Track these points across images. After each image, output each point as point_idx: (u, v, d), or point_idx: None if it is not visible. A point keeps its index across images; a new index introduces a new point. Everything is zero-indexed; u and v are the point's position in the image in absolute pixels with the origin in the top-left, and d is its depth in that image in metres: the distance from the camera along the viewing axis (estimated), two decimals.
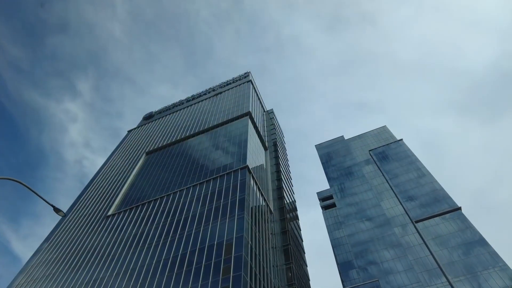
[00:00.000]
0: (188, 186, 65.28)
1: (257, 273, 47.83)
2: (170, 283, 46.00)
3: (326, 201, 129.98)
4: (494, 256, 74.76)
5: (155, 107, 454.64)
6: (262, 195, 66.09)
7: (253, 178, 64.11)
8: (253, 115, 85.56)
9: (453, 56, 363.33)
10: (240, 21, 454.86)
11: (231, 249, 46.37)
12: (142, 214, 63.82)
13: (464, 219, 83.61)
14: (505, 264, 72.22)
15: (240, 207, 53.26)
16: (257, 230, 54.93)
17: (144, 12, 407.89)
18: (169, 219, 58.51)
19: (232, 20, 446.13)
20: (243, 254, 45.05)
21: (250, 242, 49.28)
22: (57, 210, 12.37)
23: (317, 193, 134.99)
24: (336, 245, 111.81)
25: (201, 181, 64.95)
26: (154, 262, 51.10)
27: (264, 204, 65.31)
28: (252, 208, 56.53)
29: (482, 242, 78.10)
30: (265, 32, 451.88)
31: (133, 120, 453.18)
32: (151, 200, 66.43)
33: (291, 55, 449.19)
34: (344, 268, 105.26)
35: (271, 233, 62.95)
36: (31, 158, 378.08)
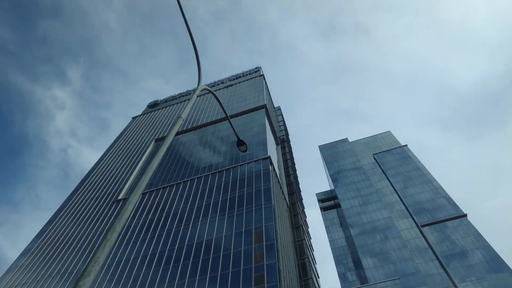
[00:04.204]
0: (206, 174, 63.45)
1: (286, 264, 46.54)
2: (196, 271, 44.14)
3: (326, 202, 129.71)
4: (500, 264, 75.49)
5: (145, 100, 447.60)
6: (281, 187, 64.96)
7: (274, 169, 62.91)
8: (268, 109, 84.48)
9: (442, 73, 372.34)
10: (237, 21, 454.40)
11: (262, 237, 44.92)
12: (157, 199, 61.58)
13: (470, 226, 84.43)
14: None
15: (266, 196, 51.93)
16: (280, 222, 53.71)
17: (140, 4, 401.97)
18: (188, 205, 56.55)
19: (229, 20, 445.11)
20: (275, 242, 43.71)
21: (279, 232, 48.00)
22: (240, 143, 10.84)
23: (316, 194, 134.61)
24: (336, 246, 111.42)
25: (219, 170, 63.26)
26: (176, 248, 49.05)
27: (282, 197, 64.15)
28: (275, 199, 55.29)
29: (488, 248, 78.92)
30: (260, 35, 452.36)
31: (121, 111, 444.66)
32: (166, 186, 64.26)
33: (285, 59, 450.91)
34: (342, 269, 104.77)
35: (289, 227, 61.81)
36: (13, 144, 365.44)
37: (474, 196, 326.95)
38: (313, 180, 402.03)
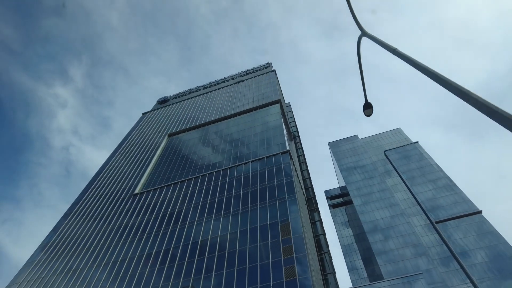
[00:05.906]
0: (224, 168, 62.69)
1: (312, 257, 45.82)
2: (223, 264, 43.37)
3: (335, 200, 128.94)
4: None
5: (147, 99, 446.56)
6: (299, 182, 64.25)
7: (293, 163, 62.17)
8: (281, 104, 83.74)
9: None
10: (239, 20, 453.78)
11: (289, 230, 44.17)
12: (175, 194, 60.80)
13: (485, 222, 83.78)
14: None
15: (289, 189, 51.19)
16: (303, 216, 53.01)
17: (143, 3, 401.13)
18: (209, 199, 55.79)
19: (231, 18, 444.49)
20: (303, 235, 42.99)
21: (304, 226, 47.28)
22: (367, 106, 10.07)
23: (325, 191, 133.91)
24: (345, 243, 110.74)
25: (238, 164, 62.50)
26: (199, 241, 48.28)
27: (301, 191, 63.44)
28: (297, 193, 54.58)
29: (505, 245, 78.28)
30: (263, 34, 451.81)
31: (123, 110, 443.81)
32: (184, 180, 63.49)
33: (288, 58, 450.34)
34: (353, 266, 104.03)
35: (309, 222, 61.11)
36: (16, 142, 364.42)
37: (476, 196, 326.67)
38: (316, 178, 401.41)
